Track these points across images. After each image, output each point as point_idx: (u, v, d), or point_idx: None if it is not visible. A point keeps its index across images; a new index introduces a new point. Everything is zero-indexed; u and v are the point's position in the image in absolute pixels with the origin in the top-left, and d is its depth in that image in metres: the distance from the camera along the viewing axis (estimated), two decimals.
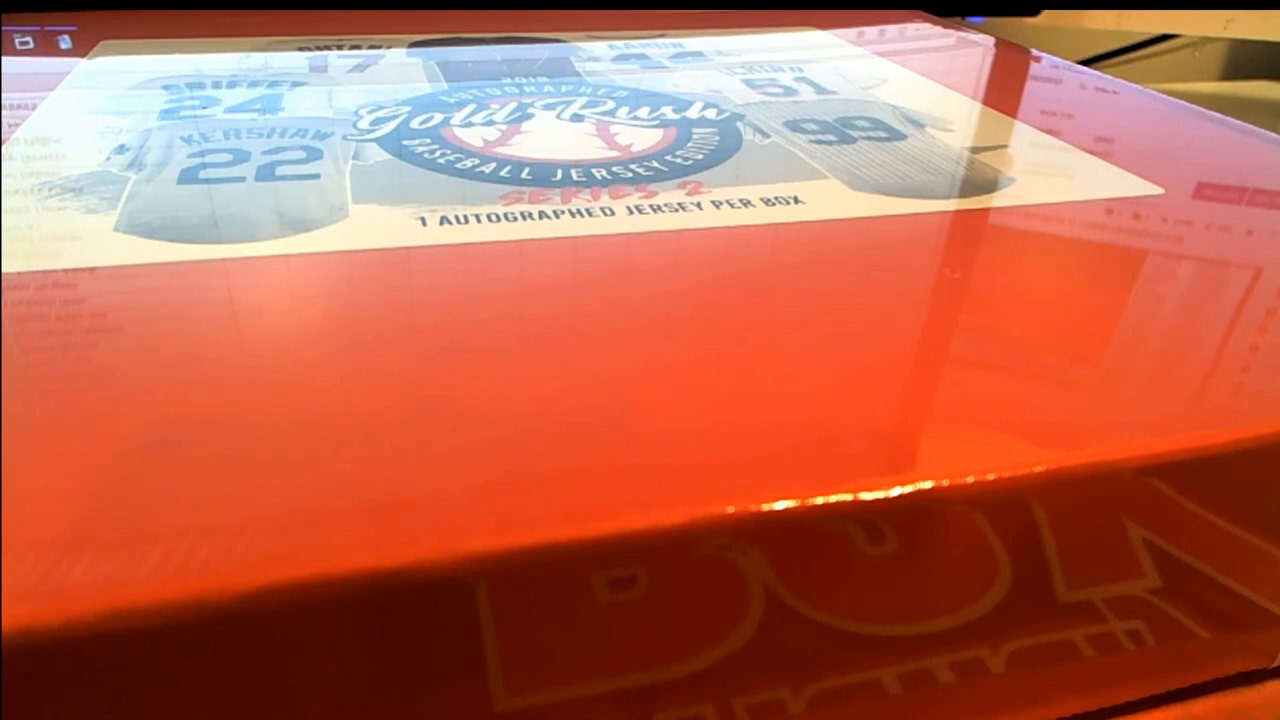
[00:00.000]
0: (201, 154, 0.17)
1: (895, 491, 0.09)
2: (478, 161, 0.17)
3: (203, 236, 0.14)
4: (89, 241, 0.13)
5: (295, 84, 0.22)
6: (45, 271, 0.13)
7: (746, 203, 0.16)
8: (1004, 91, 0.24)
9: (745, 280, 0.13)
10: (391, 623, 0.08)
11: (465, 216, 0.15)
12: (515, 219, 0.15)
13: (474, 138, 0.18)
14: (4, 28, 0.26)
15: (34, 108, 0.19)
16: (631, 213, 0.15)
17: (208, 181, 0.16)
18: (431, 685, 0.09)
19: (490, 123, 0.19)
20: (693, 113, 0.21)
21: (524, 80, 0.23)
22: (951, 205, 0.16)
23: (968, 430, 0.10)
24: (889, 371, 0.11)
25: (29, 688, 0.07)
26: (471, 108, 0.20)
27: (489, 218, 0.15)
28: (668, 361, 0.11)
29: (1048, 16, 0.41)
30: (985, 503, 0.09)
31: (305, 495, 0.09)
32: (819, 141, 0.19)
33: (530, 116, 0.20)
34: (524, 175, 0.17)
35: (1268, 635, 0.12)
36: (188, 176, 0.16)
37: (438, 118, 0.20)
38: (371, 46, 0.26)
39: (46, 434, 0.09)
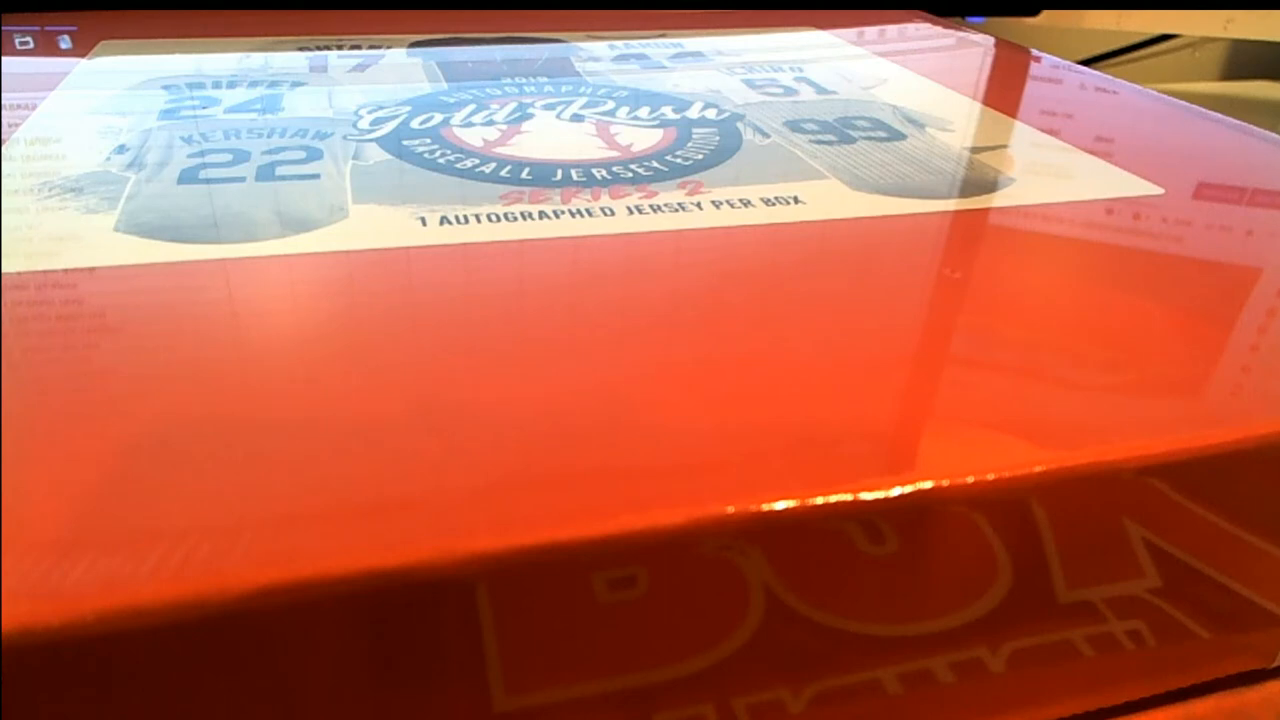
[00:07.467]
0: (201, 154, 0.17)
1: (895, 491, 0.09)
2: (478, 161, 0.17)
3: (203, 236, 0.14)
4: (89, 241, 0.13)
5: (295, 84, 0.22)
6: (45, 271, 0.13)
7: (746, 203, 0.16)
8: (1004, 91, 0.24)
9: (745, 280, 0.13)
10: (391, 623, 0.08)
11: (465, 216, 0.15)
12: (515, 219, 0.15)
13: (474, 138, 0.18)
14: (4, 28, 0.26)
15: (34, 108, 0.19)
16: (631, 213, 0.15)
17: (208, 181, 0.16)
18: (431, 685, 0.09)
19: (490, 123, 0.19)
20: (693, 113, 0.21)
21: (524, 80, 0.23)
22: (951, 205, 0.16)
23: (968, 430, 0.10)
24: (889, 371, 0.11)
25: (29, 688, 0.07)
26: (471, 108, 0.20)
27: (489, 218, 0.15)
28: (668, 361, 0.11)
29: (1048, 16, 0.41)
30: (985, 503, 0.09)
31: (305, 495, 0.09)
32: (819, 141, 0.19)
33: (530, 116, 0.20)
34: (524, 175, 0.17)
35: (1268, 635, 0.12)
36: (188, 176, 0.16)
37: (438, 118, 0.20)
38: (371, 46, 0.26)
39: (46, 434, 0.09)
